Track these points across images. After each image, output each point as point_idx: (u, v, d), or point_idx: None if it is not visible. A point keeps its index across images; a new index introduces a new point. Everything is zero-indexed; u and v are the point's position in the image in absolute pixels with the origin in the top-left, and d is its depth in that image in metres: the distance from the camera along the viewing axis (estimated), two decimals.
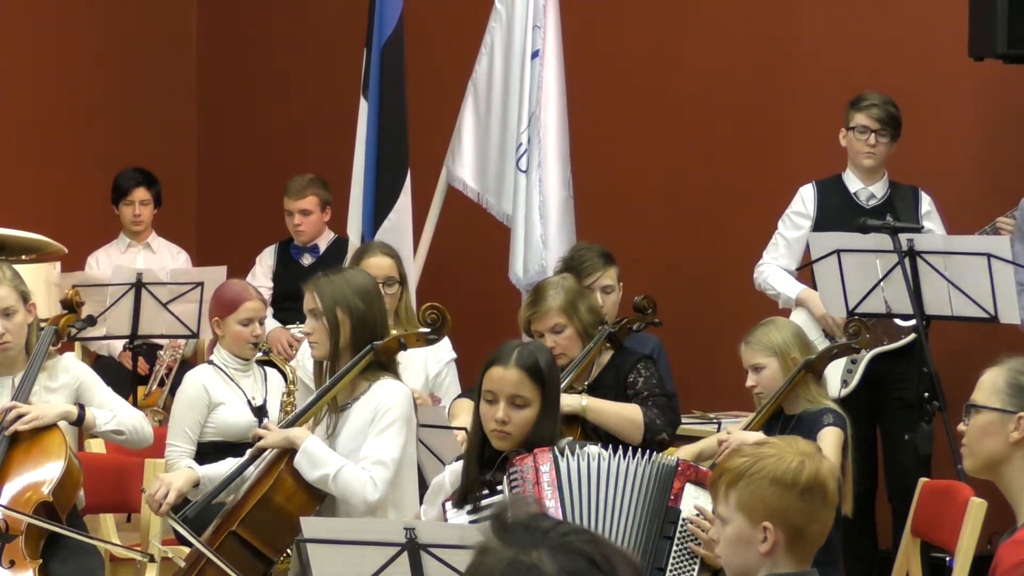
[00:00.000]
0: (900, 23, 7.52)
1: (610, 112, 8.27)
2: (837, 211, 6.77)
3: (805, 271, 6.66)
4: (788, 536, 3.39)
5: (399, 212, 7.39)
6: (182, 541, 5.35)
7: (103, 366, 8.05)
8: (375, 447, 4.91)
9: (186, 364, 7.76)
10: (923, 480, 5.53)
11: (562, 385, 5.71)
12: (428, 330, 5.22)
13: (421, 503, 4.91)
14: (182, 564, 5.11)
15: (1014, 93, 7.16)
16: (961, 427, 3.85)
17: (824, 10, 7.74)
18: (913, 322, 6.21)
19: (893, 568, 5.52)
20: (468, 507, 4.43)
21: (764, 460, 3.41)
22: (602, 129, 8.19)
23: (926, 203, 6.82)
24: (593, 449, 4.40)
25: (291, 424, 5.06)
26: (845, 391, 6.58)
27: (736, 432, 5.44)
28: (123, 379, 7.63)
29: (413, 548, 4.02)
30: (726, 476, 3.45)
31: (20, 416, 5.24)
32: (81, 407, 5.36)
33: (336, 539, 4.17)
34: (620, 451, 4.39)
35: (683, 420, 6.24)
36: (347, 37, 8.53)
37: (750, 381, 5.51)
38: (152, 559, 5.36)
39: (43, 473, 5.21)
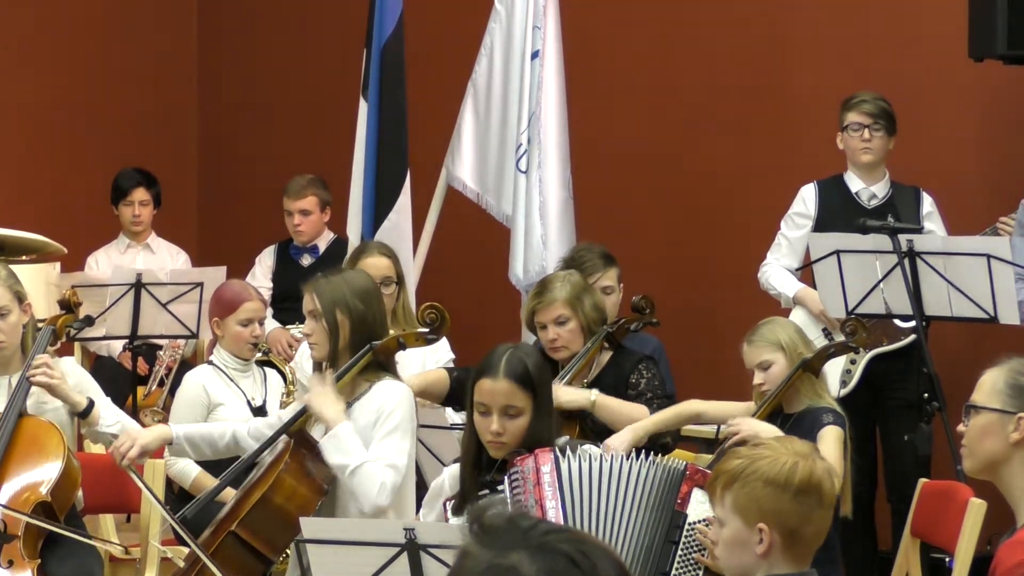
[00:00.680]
0: (900, 24, 7.52)
1: (610, 112, 8.27)
2: (838, 211, 6.78)
3: (806, 272, 6.66)
4: (784, 537, 3.39)
5: (399, 212, 7.39)
6: (181, 541, 5.35)
7: (103, 366, 8.06)
8: (385, 450, 4.89)
9: (186, 364, 7.76)
10: (923, 481, 5.52)
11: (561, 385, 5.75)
12: (427, 330, 5.22)
13: (419, 505, 4.90)
14: (181, 564, 5.11)
15: (1014, 94, 7.17)
16: (961, 428, 3.85)
17: (824, 11, 7.74)
18: (913, 323, 6.21)
19: (893, 569, 5.52)
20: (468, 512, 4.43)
21: (758, 461, 3.40)
22: (602, 130, 8.19)
23: (927, 204, 6.82)
24: (593, 449, 4.41)
25: (290, 424, 5.05)
26: (844, 391, 6.58)
27: (749, 421, 5.38)
28: (122, 379, 7.63)
29: (413, 548, 4.02)
30: (722, 478, 3.45)
31: (48, 372, 5.22)
32: (91, 401, 5.35)
33: (336, 539, 4.17)
34: (634, 454, 4.39)
35: None
36: (347, 37, 8.52)
37: (757, 379, 5.48)
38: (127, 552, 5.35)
39: (41, 473, 5.21)
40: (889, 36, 7.53)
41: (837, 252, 6.18)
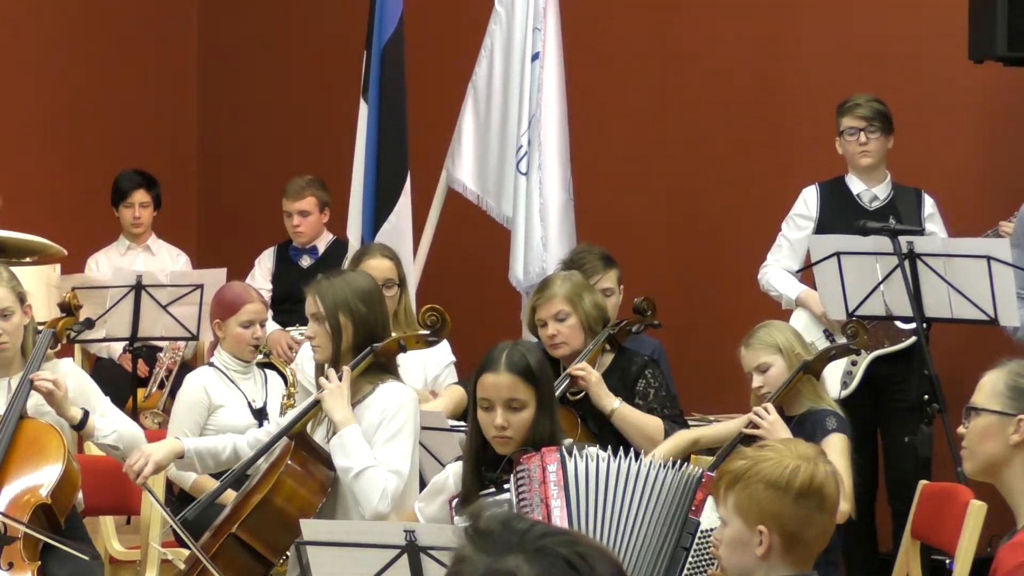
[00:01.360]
0: (900, 25, 7.52)
1: (610, 114, 8.27)
2: (840, 213, 6.78)
3: (806, 273, 6.66)
4: (784, 540, 3.38)
5: (399, 214, 7.39)
6: (181, 543, 5.35)
7: (103, 368, 8.06)
8: (389, 455, 4.89)
9: (186, 366, 7.76)
10: (923, 482, 5.52)
11: (562, 385, 5.75)
12: (428, 332, 5.22)
13: None
14: (181, 566, 5.11)
15: (1014, 95, 7.16)
16: (961, 430, 3.85)
17: (824, 12, 7.74)
18: (914, 324, 6.21)
19: (893, 570, 5.52)
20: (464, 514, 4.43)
21: (761, 463, 3.41)
22: (602, 131, 8.19)
23: (929, 205, 6.82)
24: (592, 450, 4.40)
25: (290, 427, 5.05)
26: (845, 392, 6.58)
27: (774, 419, 5.36)
28: (123, 381, 7.63)
29: (413, 550, 4.02)
30: (725, 478, 3.45)
31: (53, 382, 5.22)
32: (85, 412, 5.35)
33: (336, 541, 4.17)
34: (642, 456, 4.38)
35: None
36: (347, 39, 8.52)
37: (756, 382, 5.49)
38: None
39: (41, 476, 5.20)
40: (889, 38, 7.53)
41: (837, 254, 6.18)
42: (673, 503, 4.34)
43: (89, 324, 5.73)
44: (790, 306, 6.85)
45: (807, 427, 5.37)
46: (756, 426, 5.34)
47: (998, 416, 3.76)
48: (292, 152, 9.38)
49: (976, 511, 5.07)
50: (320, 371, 5.11)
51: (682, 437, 5.63)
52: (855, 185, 6.88)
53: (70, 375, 5.46)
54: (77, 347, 7.91)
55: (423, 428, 5.20)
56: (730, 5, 8.00)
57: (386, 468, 4.85)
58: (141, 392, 7.72)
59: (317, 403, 5.02)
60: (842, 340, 5.88)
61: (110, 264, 8.29)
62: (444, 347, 6.30)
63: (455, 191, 7.69)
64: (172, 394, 7.29)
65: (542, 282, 6.06)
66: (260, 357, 6.52)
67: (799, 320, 6.64)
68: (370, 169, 7.45)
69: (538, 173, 7.32)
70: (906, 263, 6.06)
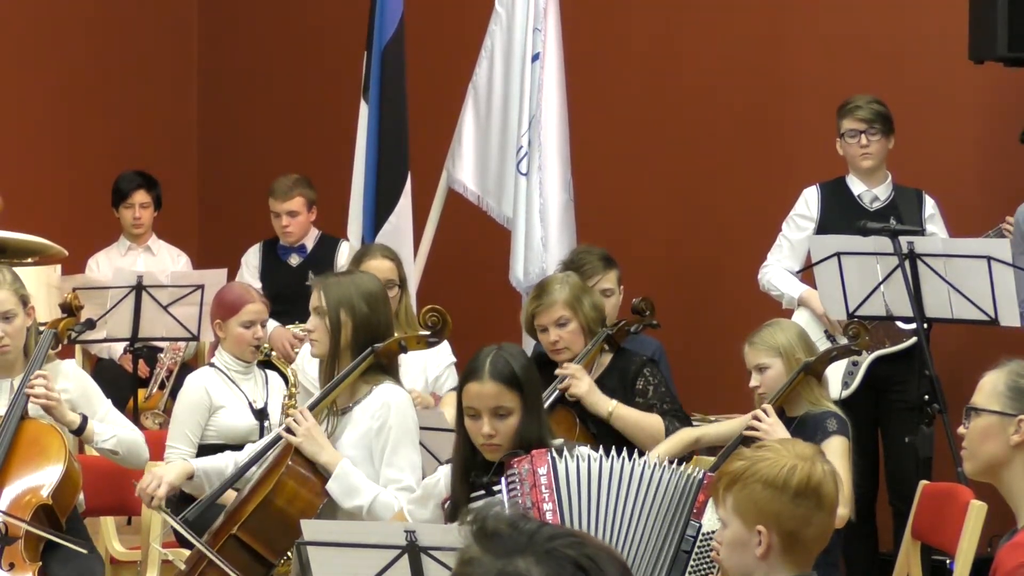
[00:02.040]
0: (900, 26, 7.52)
1: (610, 115, 8.27)
2: (841, 213, 6.78)
3: (806, 273, 6.66)
4: (783, 540, 3.38)
5: (399, 215, 7.39)
6: (182, 543, 5.35)
7: (103, 369, 8.06)
8: (396, 472, 4.89)
9: (186, 367, 7.76)
10: (923, 483, 5.53)
11: (562, 385, 5.75)
12: (428, 333, 5.22)
13: None
14: (182, 567, 5.11)
15: (1015, 96, 7.16)
16: (961, 430, 3.85)
17: (824, 12, 7.74)
18: (915, 325, 6.21)
19: (894, 571, 5.52)
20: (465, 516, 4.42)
21: (759, 464, 3.40)
22: (602, 132, 8.19)
23: (930, 206, 6.83)
24: (583, 451, 4.39)
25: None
26: (847, 392, 6.58)
27: (773, 421, 5.36)
28: (123, 382, 7.63)
29: (413, 551, 4.02)
30: (724, 479, 3.45)
31: (48, 390, 5.22)
32: (84, 418, 5.35)
33: (337, 542, 4.17)
34: (635, 455, 4.37)
35: None
36: (348, 39, 8.53)
37: (754, 382, 5.51)
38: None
39: (43, 476, 5.21)
40: (889, 38, 7.53)
41: (838, 254, 6.18)
42: (673, 504, 4.32)
43: (90, 324, 5.74)
44: (791, 305, 6.85)
45: (808, 429, 5.37)
46: (755, 428, 5.35)
47: (998, 416, 3.76)
48: (292, 152, 9.38)
49: (976, 511, 5.07)
50: (322, 368, 5.09)
51: (684, 435, 5.63)
52: (856, 186, 6.88)
53: (72, 377, 5.46)
54: (78, 348, 7.91)
55: (423, 428, 5.21)
56: (730, 5, 8.00)
57: (394, 488, 4.85)
58: (142, 393, 7.72)
59: (315, 404, 5.03)
60: (843, 341, 5.88)
61: (111, 265, 8.29)
62: (445, 348, 6.31)
63: (455, 191, 7.69)
64: (173, 395, 7.29)
65: (539, 287, 6.03)
66: (262, 356, 6.52)
67: (800, 320, 6.64)
68: (370, 170, 7.46)
69: (538, 174, 7.32)
70: (906, 263, 6.06)
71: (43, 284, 7.24)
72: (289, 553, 5.04)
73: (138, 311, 7.20)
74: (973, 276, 5.98)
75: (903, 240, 6.09)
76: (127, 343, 7.49)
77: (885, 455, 6.79)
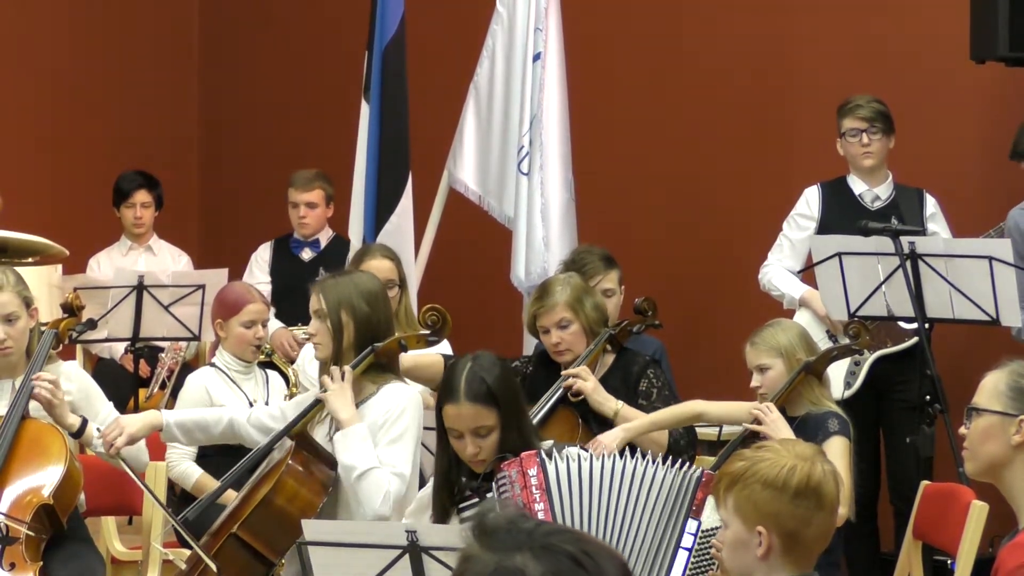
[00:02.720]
0: (901, 25, 7.52)
1: (612, 114, 8.27)
2: (842, 213, 6.78)
3: (808, 273, 6.66)
4: (783, 540, 3.37)
5: (400, 215, 7.39)
6: (183, 543, 5.35)
7: (104, 369, 8.06)
8: (392, 457, 4.89)
9: (187, 367, 7.76)
10: (924, 483, 5.53)
11: (563, 386, 5.75)
12: (429, 332, 5.22)
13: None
14: (183, 566, 5.11)
15: (1016, 95, 7.17)
16: (962, 430, 3.85)
17: (825, 13, 7.74)
18: (916, 325, 6.21)
19: (895, 571, 5.53)
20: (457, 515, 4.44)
21: (759, 464, 3.40)
22: (604, 131, 8.19)
23: (931, 205, 6.83)
24: (572, 451, 4.39)
25: (291, 427, 5.04)
26: (848, 392, 6.58)
27: (775, 417, 5.36)
28: (124, 382, 7.63)
29: (414, 551, 4.02)
30: (724, 479, 3.45)
31: (52, 390, 5.22)
32: (84, 421, 5.35)
33: (337, 542, 4.17)
34: (639, 456, 4.35)
35: None
36: (349, 39, 8.52)
37: (755, 382, 5.51)
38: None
39: (44, 476, 5.20)
40: (890, 38, 7.53)
41: (839, 254, 6.18)
42: (670, 502, 4.31)
43: (91, 324, 5.73)
44: (792, 306, 6.85)
45: (809, 429, 5.37)
46: (759, 422, 5.35)
47: (999, 416, 3.76)
48: (294, 152, 9.37)
49: (977, 511, 5.07)
50: (324, 370, 5.12)
51: (687, 408, 5.63)
52: (857, 185, 6.88)
53: (73, 378, 5.46)
54: (79, 347, 7.92)
55: (425, 428, 5.21)
56: (731, 5, 8.00)
57: (389, 470, 4.85)
58: (143, 392, 7.72)
59: (318, 403, 5.03)
60: (844, 340, 5.88)
61: (112, 264, 8.30)
62: (445, 347, 6.30)
63: (457, 191, 7.69)
64: (174, 394, 7.29)
65: (541, 288, 6.03)
66: (262, 356, 6.52)
67: (802, 321, 6.64)
68: (372, 169, 7.45)
69: (539, 173, 7.32)
70: (908, 263, 6.06)
71: (44, 284, 7.24)
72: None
73: (139, 311, 7.20)
74: (974, 276, 5.98)
75: (904, 240, 6.09)
76: (128, 343, 7.49)
77: (887, 455, 6.79)
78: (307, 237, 8.19)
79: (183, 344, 7.79)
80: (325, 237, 8.23)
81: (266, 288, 7.85)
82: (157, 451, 5.92)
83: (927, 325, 6.13)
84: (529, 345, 6.87)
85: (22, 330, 5.38)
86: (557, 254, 7.15)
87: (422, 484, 5.10)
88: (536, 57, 7.39)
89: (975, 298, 5.99)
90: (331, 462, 4.97)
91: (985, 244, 6.14)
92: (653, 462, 4.34)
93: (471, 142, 7.63)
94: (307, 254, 8.21)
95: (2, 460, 5.19)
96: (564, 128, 7.41)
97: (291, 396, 6.39)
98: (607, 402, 5.70)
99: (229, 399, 6.27)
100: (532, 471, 4.28)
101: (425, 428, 5.25)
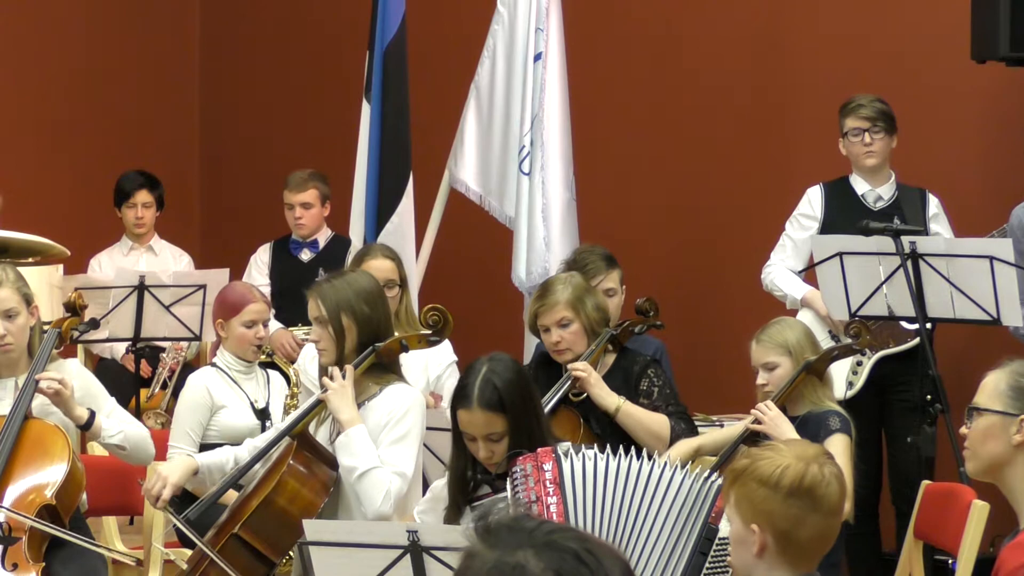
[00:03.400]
0: (902, 26, 7.52)
1: (612, 114, 8.27)
2: (844, 213, 6.78)
3: (810, 273, 6.66)
4: (777, 539, 3.36)
5: (401, 215, 7.39)
6: (184, 543, 5.35)
7: (105, 369, 8.06)
8: (394, 456, 4.89)
9: (188, 367, 7.76)
10: (925, 483, 5.53)
11: (564, 386, 5.75)
12: (430, 332, 5.22)
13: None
14: (184, 566, 5.11)
15: (1016, 95, 7.17)
16: (963, 430, 3.85)
17: (826, 13, 7.74)
18: (917, 325, 6.21)
19: (896, 570, 5.52)
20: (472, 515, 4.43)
21: (758, 461, 3.40)
22: (604, 131, 8.19)
23: (933, 205, 6.82)
24: (590, 452, 4.39)
25: (292, 427, 5.05)
26: (851, 392, 6.58)
27: (775, 415, 5.36)
28: (126, 382, 7.64)
29: (416, 551, 4.02)
30: (728, 476, 3.46)
31: (60, 383, 5.22)
32: (92, 413, 5.35)
33: (339, 541, 4.17)
34: (656, 459, 4.34)
35: None
36: (350, 39, 8.53)
37: (761, 379, 5.50)
38: (138, 563, 5.36)
39: (46, 476, 5.21)
40: (891, 38, 7.53)
41: (840, 254, 6.18)
42: (687, 508, 4.28)
43: (94, 324, 5.74)
44: (795, 306, 6.85)
45: (810, 427, 5.37)
46: (759, 422, 5.35)
47: (1000, 416, 3.77)
48: (295, 152, 9.38)
49: (979, 511, 5.07)
50: (324, 371, 5.12)
51: (683, 445, 5.61)
52: (859, 185, 6.88)
53: (76, 376, 5.46)
54: (80, 347, 7.92)
55: (427, 428, 5.21)
56: (733, 5, 8.00)
57: (391, 470, 4.85)
58: (144, 392, 7.73)
59: (320, 403, 5.02)
60: (846, 340, 5.88)
61: (113, 264, 8.30)
62: (446, 347, 6.30)
63: (457, 191, 7.69)
64: (175, 394, 7.30)
65: (543, 287, 6.03)
66: (263, 356, 6.52)
67: (804, 320, 6.64)
68: (372, 169, 7.46)
69: (540, 173, 7.32)
70: (909, 263, 6.06)
71: (45, 284, 7.24)
72: (291, 553, 5.05)
73: (140, 311, 7.21)
74: (975, 276, 5.98)
75: (905, 240, 6.09)
76: (129, 343, 7.49)
77: (888, 455, 6.79)
78: (305, 238, 8.19)
79: (184, 344, 7.80)
80: (324, 237, 8.23)
81: (265, 290, 7.84)
82: (159, 451, 5.93)
83: (928, 325, 6.13)
84: (530, 345, 6.87)
85: (22, 326, 5.38)
86: (558, 254, 7.15)
87: (425, 485, 5.11)
88: (537, 57, 7.39)
89: (976, 298, 5.99)
90: (332, 462, 4.97)
91: (986, 244, 6.14)
92: (671, 466, 4.33)
93: (472, 142, 7.63)
94: (306, 255, 8.20)
95: (5, 460, 5.20)
96: (565, 128, 7.41)
97: (292, 396, 6.39)
98: (609, 397, 5.70)
99: (230, 399, 6.28)
100: (547, 465, 4.28)
101: (428, 428, 5.26)
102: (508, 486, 4.34)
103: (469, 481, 4.53)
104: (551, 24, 7.40)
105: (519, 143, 7.43)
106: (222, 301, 6.45)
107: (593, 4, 8.23)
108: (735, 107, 7.96)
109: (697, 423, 6.94)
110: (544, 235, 7.30)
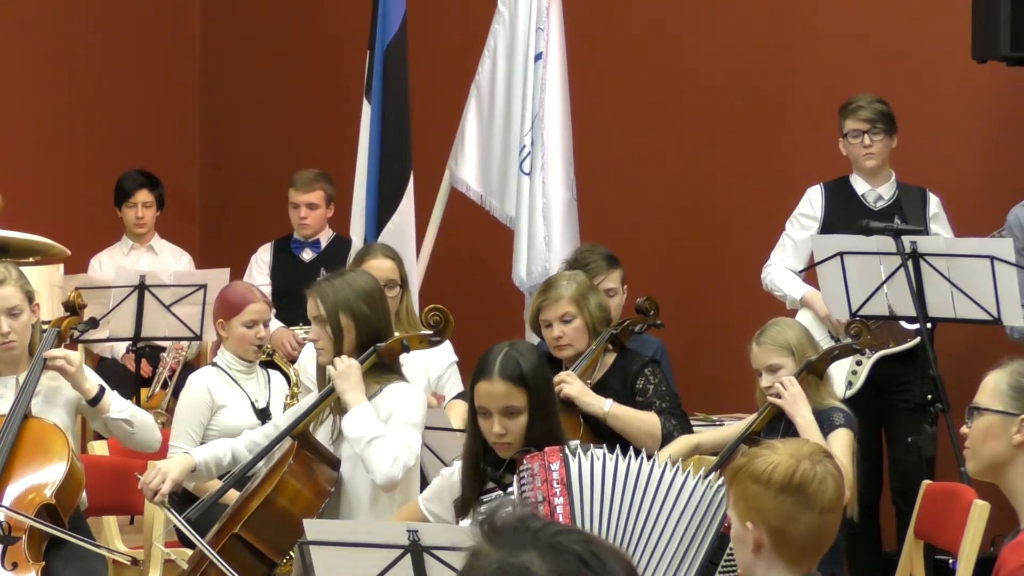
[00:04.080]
0: (903, 25, 7.52)
1: (613, 114, 8.27)
2: (845, 213, 6.78)
3: (810, 273, 6.66)
4: (771, 537, 3.35)
5: (402, 214, 7.39)
6: (185, 542, 5.35)
7: (106, 368, 8.06)
8: (403, 433, 4.88)
9: (189, 366, 7.76)
10: (926, 482, 5.53)
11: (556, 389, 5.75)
12: (431, 332, 5.21)
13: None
14: (184, 566, 5.11)
15: (1017, 95, 7.17)
16: (964, 429, 3.85)
17: (827, 12, 7.74)
18: (918, 325, 6.21)
19: (896, 570, 5.52)
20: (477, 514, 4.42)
21: (755, 459, 3.40)
22: (605, 131, 8.19)
23: (934, 205, 6.82)
24: (599, 452, 4.38)
25: (293, 427, 5.05)
26: (850, 392, 6.58)
27: (795, 391, 5.36)
28: (126, 381, 7.63)
29: (416, 550, 4.02)
30: (728, 474, 3.46)
31: (67, 359, 5.23)
32: (101, 388, 5.35)
33: (339, 541, 4.17)
34: (668, 463, 4.31)
35: None
36: (350, 39, 8.53)
37: (765, 382, 5.45)
38: (135, 562, 5.36)
39: (46, 475, 5.21)
40: (892, 38, 7.53)
41: (840, 254, 6.18)
42: (699, 513, 4.23)
43: (93, 323, 5.74)
44: (795, 306, 6.85)
45: None
46: (779, 396, 5.32)
47: (1001, 416, 3.76)
48: (295, 152, 9.38)
49: (979, 511, 5.07)
50: (322, 372, 5.11)
51: (683, 442, 5.60)
52: (860, 185, 6.88)
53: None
54: (80, 347, 7.91)
55: (427, 428, 5.21)
56: (733, 5, 8.00)
57: (400, 440, 4.83)
58: (145, 392, 7.72)
59: (320, 402, 5.03)
60: (846, 340, 5.88)
61: (113, 264, 8.30)
62: (447, 347, 6.30)
63: (458, 191, 7.69)
64: (176, 394, 7.30)
65: (546, 283, 6.04)
66: (264, 356, 6.52)
67: (803, 321, 6.64)
68: (373, 169, 7.46)
69: (541, 173, 7.32)
70: (909, 263, 6.06)
71: (45, 283, 7.24)
72: (292, 552, 5.05)
73: (140, 311, 7.21)
74: (976, 276, 5.98)
75: (906, 240, 6.09)
76: (129, 343, 7.50)
77: (889, 455, 6.79)
78: (308, 238, 8.20)
79: (185, 344, 7.80)
80: (325, 237, 8.23)
81: (266, 290, 7.85)
82: (160, 452, 5.93)
83: (929, 324, 6.13)
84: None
85: (25, 324, 5.40)
86: (559, 254, 7.15)
87: (424, 485, 5.11)
88: (538, 57, 7.39)
89: (977, 297, 5.99)
90: (333, 462, 4.97)
91: (986, 243, 6.14)
92: (684, 471, 4.30)
93: (472, 142, 7.63)
94: (308, 255, 8.21)
95: (4, 459, 5.20)
96: (566, 127, 7.41)
97: (293, 396, 6.39)
98: (595, 403, 5.70)
99: (231, 399, 6.28)
100: (554, 465, 4.26)
101: (427, 428, 5.26)
102: (515, 485, 4.33)
103: (483, 470, 4.50)
104: (552, 24, 7.40)
105: (520, 143, 7.43)
106: (223, 301, 6.45)
107: (593, 4, 8.23)
108: (735, 107, 7.96)
109: (697, 423, 6.95)
110: (545, 235, 7.31)
